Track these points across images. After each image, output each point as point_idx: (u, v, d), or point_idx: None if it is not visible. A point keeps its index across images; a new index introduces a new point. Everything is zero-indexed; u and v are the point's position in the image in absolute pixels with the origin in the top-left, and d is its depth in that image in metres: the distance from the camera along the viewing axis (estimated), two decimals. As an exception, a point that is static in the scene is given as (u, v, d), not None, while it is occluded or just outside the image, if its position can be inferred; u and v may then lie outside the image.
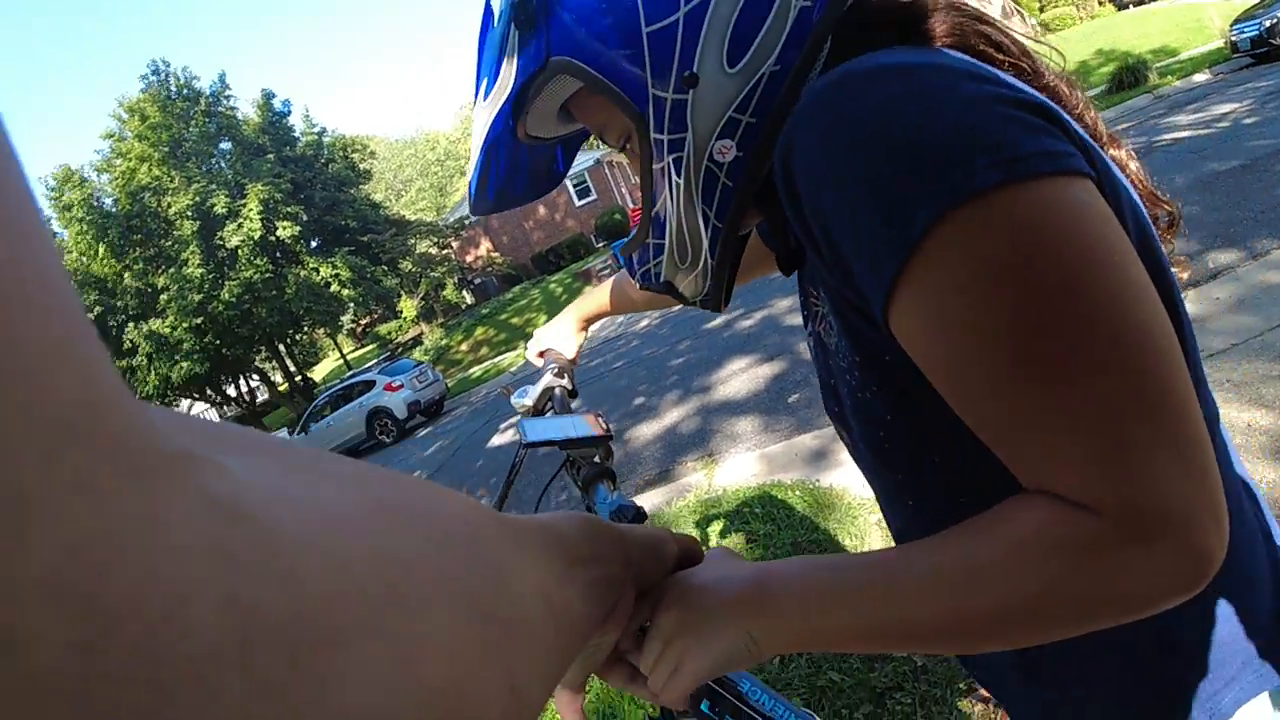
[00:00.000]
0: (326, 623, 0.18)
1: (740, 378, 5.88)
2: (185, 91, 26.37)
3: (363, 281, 25.81)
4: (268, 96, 27.80)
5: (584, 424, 0.99)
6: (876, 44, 0.52)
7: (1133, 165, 0.59)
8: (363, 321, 33.15)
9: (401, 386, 15.27)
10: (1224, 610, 0.53)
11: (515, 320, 22.09)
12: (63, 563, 0.13)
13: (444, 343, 23.75)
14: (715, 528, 3.25)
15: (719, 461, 4.37)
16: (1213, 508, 0.38)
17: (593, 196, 32.09)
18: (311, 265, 25.28)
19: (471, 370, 19.31)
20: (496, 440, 8.75)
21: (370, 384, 15.97)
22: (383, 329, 30.93)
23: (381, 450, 14.81)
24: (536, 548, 0.34)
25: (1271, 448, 2.39)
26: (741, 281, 1.05)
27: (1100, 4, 26.79)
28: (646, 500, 4.18)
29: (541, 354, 1.23)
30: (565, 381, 1.14)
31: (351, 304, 27.22)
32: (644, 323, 12.08)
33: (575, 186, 32.00)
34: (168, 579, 0.14)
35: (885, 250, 0.41)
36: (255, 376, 30.16)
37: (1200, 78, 13.38)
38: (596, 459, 1.00)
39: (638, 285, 0.72)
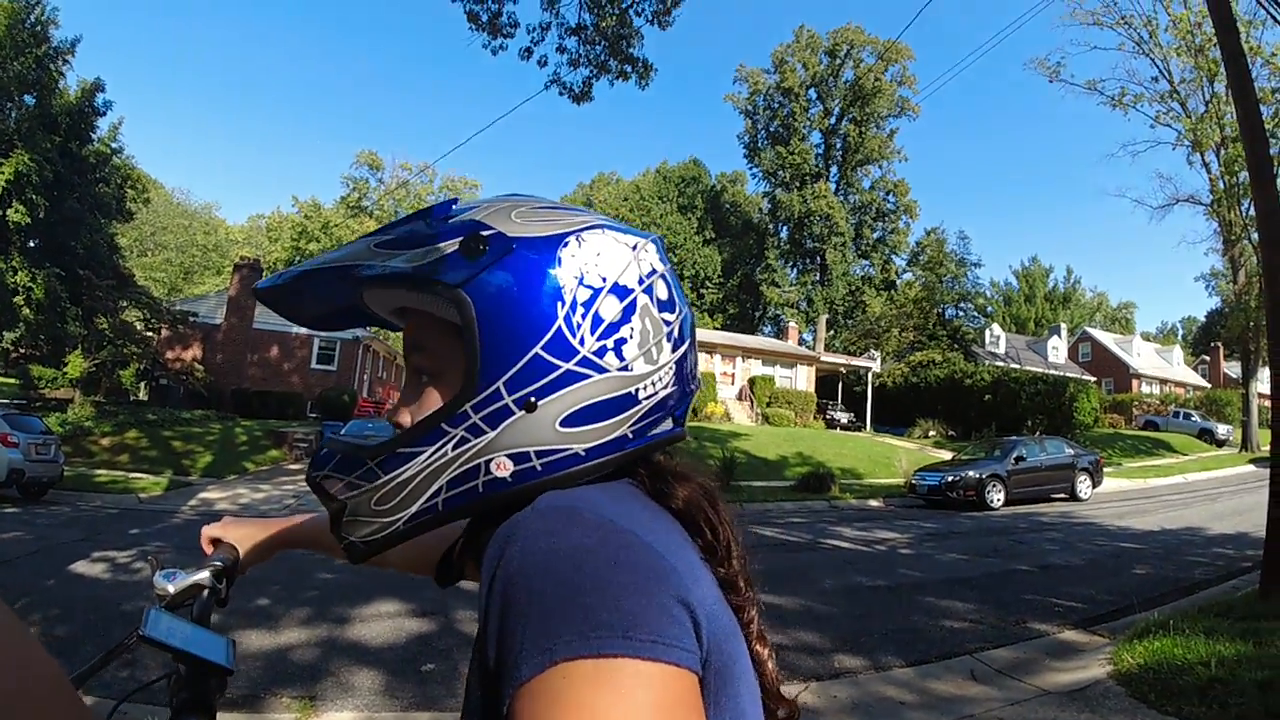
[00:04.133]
0: None
1: (384, 622, 5.45)
2: (38, 29, 23.45)
3: (50, 312, 21.93)
4: (96, 85, 25.36)
5: (217, 646, 0.93)
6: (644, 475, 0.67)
7: (770, 664, 0.70)
8: (22, 350, 27.15)
9: (16, 445, 12.22)
10: None
11: (177, 444, 18.71)
12: None
13: (88, 424, 19.20)
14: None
15: (319, 710, 3.88)
16: None
17: (332, 367, 30.77)
18: (14, 264, 21.35)
19: (98, 471, 15.83)
20: (82, 567, 7.18)
21: (-16, 422, 12.57)
22: (38, 370, 25.60)
23: (-53, 504, 11.36)
24: None
25: None
26: (404, 569, 1.03)
27: (814, 418, 32.23)
28: None
29: (215, 542, 1.15)
30: (221, 587, 1.07)
31: (23, 326, 22.73)
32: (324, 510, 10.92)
33: (320, 349, 30.61)
34: None
35: (505, 674, 0.47)
36: None
37: (875, 503, 15.79)
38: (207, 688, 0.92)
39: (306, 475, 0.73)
